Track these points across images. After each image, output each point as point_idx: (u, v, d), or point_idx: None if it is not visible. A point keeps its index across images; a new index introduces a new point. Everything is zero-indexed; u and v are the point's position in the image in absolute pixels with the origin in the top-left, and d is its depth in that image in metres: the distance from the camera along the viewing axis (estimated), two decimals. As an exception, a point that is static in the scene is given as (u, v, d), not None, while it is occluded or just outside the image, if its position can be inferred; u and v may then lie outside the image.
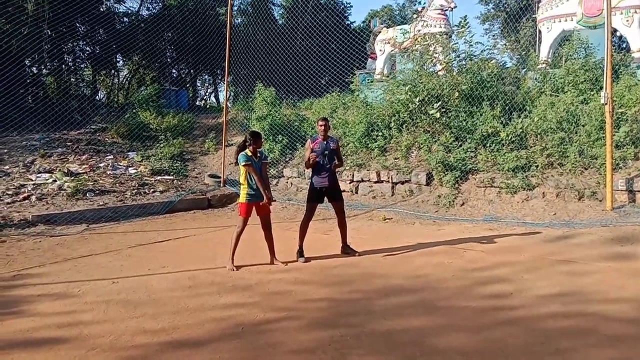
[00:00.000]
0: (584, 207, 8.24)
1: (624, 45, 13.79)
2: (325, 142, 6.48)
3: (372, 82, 14.60)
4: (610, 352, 3.50)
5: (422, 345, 3.70)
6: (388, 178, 10.42)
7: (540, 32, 12.89)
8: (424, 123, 10.88)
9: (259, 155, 6.17)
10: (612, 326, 3.94)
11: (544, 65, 11.75)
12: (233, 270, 5.89)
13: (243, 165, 5.98)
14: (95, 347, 3.76)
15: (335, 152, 6.58)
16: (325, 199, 6.60)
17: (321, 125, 6.51)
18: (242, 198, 6.13)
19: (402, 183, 10.26)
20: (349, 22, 27.88)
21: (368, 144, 11.36)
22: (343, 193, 10.72)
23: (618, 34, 11.69)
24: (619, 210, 7.89)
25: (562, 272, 5.51)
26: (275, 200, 6.26)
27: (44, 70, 19.60)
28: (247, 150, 6.08)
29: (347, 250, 6.67)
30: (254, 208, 6.15)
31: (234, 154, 6.34)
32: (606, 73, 7.97)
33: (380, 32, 15.43)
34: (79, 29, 19.86)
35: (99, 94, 24.27)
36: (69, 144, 14.02)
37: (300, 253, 6.40)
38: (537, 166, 9.15)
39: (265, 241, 6.27)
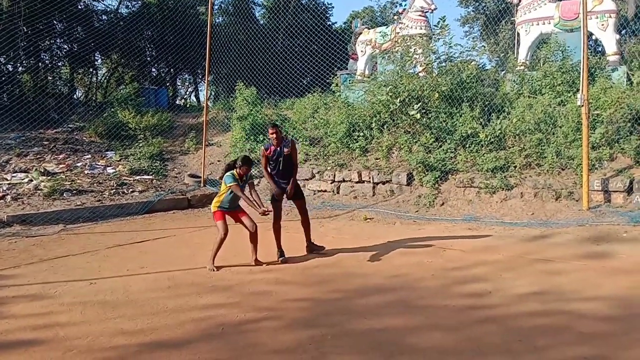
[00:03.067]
0: (561, 207, 8.38)
1: (600, 49, 14.07)
2: (278, 149, 6.42)
3: (353, 82, 14.63)
4: (585, 349, 3.56)
5: (401, 344, 3.72)
6: (369, 178, 10.46)
7: (518, 34, 13.06)
8: (405, 124, 10.95)
9: (244, 179, 6.22)
10: (587, 324, 4.02)
11: (522, 67, 11.91)
12: (213, 270, 5.87)
13: (229, 186, 6.04)
14: (72, 348, 3.70)
15: (290, 156, 6.49)
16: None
17: (272, 134, 6.40)
18: (214, 207, 6.21)
19: (383, 183, 10.30)
20: (330, 23, 27.90)
21: (349, 145, 11.39)
22: (325, 193, 10.91)
23: (594, 37, 11.91)
24: (595, 210, 8.05)
25: (539, 271, 5.60)
26: (270, 212, 6.20)
27: (20, 68, 19.20)
28: (234, 172, 6.13)
29: (312, 249, 6.66)
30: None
31: (222, 170, 6.44)
32: (582, 75, 8.12)
33: (361, 33, 15.45)
34: (56, 26, 19.49)
35: (77, 93, 23.90)
36: (45, 143, 13.77)
37: (281, 253, 6.36)
38: (515, 167, 9.28)
39: (251, 243, 6.25)
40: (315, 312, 4.49)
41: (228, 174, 6.14)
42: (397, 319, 4.26)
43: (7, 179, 10.69)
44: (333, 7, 30.57)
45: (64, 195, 10.12)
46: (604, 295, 4.70)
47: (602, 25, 10.82)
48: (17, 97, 14.89)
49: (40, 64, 20.05)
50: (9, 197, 9.58)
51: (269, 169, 6.57)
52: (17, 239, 7.70)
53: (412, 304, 4.62)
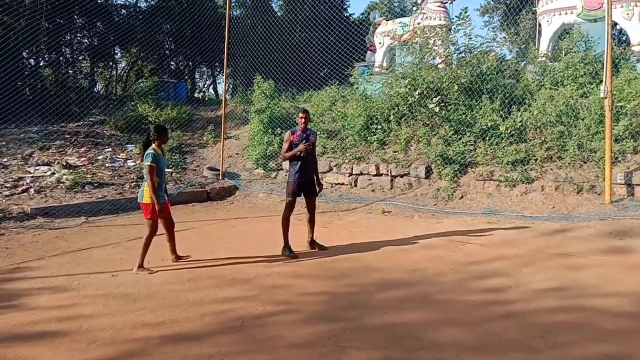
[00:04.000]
0: (582, 200, 8.26)
1: (624, 39, 13.76)
2: (305, 135, 6.38)
3: (371, 74, 14.55)
4: (606, 346, 3.52)
5: (421, 339, 3.72)
6: (387, 171, 10.42)
7: (540, 25, 12.84)
8: (423, 116, 10.86)
9: (164, 153, 5.81)
10: (609, 320, 3.97)
11: (543, 58, 11.71)
12: (151, 272, 5.54)
13: (148, 165, 5.47)
14: (95, 340, 3.77)
15: (314, 145, 6.52)
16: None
17: (302, 117, 6.36)
18: (149, 197, 5.57)
19: (401, 176, 10.25)
20: (347, 14, 27.72)
21: (367, 137, 11.35)
22: (342, 186, 10.90)
23: (618, 27, 11.66)
24: (618, 204, 7.91)
25: (560, 265, 5.54)
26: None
27: (42, 63, 19.50)
28: (153, 147, 5.60)
29: (314, 246, 6.57)
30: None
31: (139, 150, 5.83)
32: (606, 67, 7.96)
33: (379, 24, 15.33)
34: (76, 21, 19.73)
35: (97, 86, 24.17)
36: (67, 136, 13.99)
37: (288, 249, 6.25)
38: (536, 159, 9.16)
39: (169, 242, 6.01)
40: (333, 305, 4.50)
41: (148, 151, 5.56)
42: (416, 313, 4.26)
43: (30, 172, 10.90)
44: (350, -2, 30.26)
45: (86, 188, 10.28)
46: (626, 291, 4.64)
47: (628, 14, 10.58)
48: (40, 91, 15.15)
49: (61, 58, 20.33)
50: (32, 190, 9.77)
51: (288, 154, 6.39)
52: (40, 231, 7.85)
53: (431, 299, 4.61)
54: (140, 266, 5.61)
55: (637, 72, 9.97)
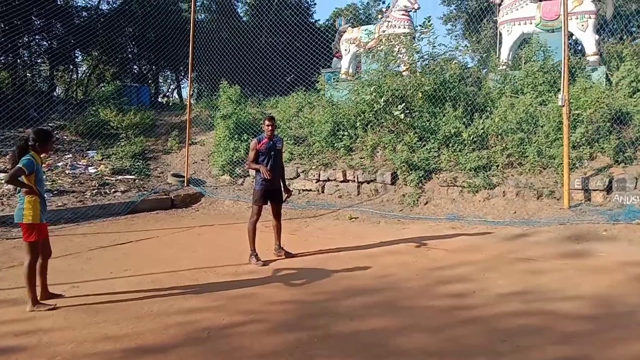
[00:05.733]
0: (542, 205, 8.51)
1: (579, 49, 14.26)
2: (271, 142, 6.36)
3: (337, 81, 14.64)
4: (567, 349, 3.63)
5: (387, 346, 3.75)
6: (354, 177, 10.49)
7: (500, 34, 13.19)
8: (389, 123, 10.99)
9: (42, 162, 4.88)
10: (569, 323, 4.10)
11: (504, 66, 12.04)
12: (52, 308, 4.59)
13: (17, 167, 4.50)
14: (55, 355, 3.65)
15: (280, 152, 6.53)
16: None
17: (268, 125, 6.32)
18: (33, 216, 4.62)
19: (368, 182, 10.34)
20: (313, 20, 27.86)
21: (334, 144, 11.40)
22: (309, 192, 10.91)
23: (574, 37, 12.07)
24: (576, 209, 8.19)
25: (521, 270, 5.68)
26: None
27: (-2, 65, 18.87)
28: (32, 154, 4.64)
29: (281, 253, 6.52)
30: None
31: (10, 158, 4.84)
32: (563, 76, 8.25)
33: (345, 31, 15.45)
34: (34, 22, 19.16)
35: (57, 90, 23.51)
36: (24, 142, 13.51)
37: (255, 257, 6.21)
38: (497, 166, 9.39)
39: (40, 275, 4.80)
40: (301, 314, 4.50)
41: (26, 158, 4.55)
42: (383, 320, 4.29)
43: (-15, 179, 10.49)
44: (315, 4, 30.41)
45: (45, 195, 9.93)
46: (585, 294, 4.79)
47: (582, 25, 10.98)
48: (-5, 95, 14.60)
49: (18, 60, 19.70)
50: (-13, 198, 9.40)
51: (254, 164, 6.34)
52: (-4, 241, 7.57)
53: (398, 305, 4.66)
54: (35, 301, 4.59)
55: (592, 81, 10.36)
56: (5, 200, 9.44)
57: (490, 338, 3.85)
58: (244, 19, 25.21)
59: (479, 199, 9.11)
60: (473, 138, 9.85)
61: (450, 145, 10.09)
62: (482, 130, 9.87)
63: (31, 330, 4.12)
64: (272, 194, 6.43)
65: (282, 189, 6.61)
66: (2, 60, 18.73)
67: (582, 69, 11.03)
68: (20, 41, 19.00)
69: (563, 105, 8.22)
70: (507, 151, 9.49)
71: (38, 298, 4.69)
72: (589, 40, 11.05)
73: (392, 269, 5.87)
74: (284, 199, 6.62)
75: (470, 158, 9.54)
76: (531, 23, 11.83)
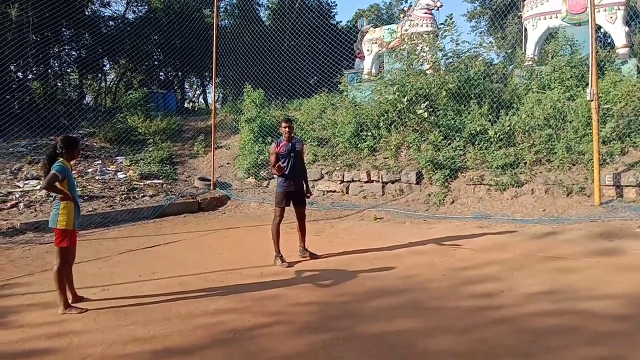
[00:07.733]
0: (572, 202, 8.31)
1: (609, 42, 13.92)
2: (290, 144, 6.35)
3: (360, 82, 14.62)
4: (599, 349, 3.53)
5: (414, 348, 3.71)
6: (378, 178, 10.44)
7: (526, 29, 12.97)
8: (413, 122, 10.91)
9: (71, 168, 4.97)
10: (600, 323, 3.98)
11: (530, 62, 11.82)
12: (81, 312, 4.68)
13: (52, 174, 4.55)
14: (86, 356, 3.73)
15: (301, 153, 6.50)
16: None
17: (285, 127, 6.33)
18: (67, 222, 4.69)
19: (392, 182, 10.28)
20: (335, 22, 27.87)
21: (357, 144, 11.38)
22: (334, 193, 10.91)
23: (602, 30, 11.80)
24: (607, 205, 7.97)
25: (551, 269, 5.56)
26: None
27: (30, 76, 19.40)
28: (61, 160, 4.70)
29: (306, 255, 6.53)
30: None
31: (42, 166, 4.87)
32: (591, 70, 8.05)
33: (367, 31, 15.43)
34: (64, 33, 19.68)
35: (86, 98, 24.09)
36: (56, 149, 13.87)
37: (280, 258, 6.23)
38: (525, 163, 9.22)
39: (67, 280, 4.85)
40: (326, 315, 4.48)
41: (57, 164, 4.64)
42: (409, 321, 4.25)
43: (19, 187, 10.81)
44: (336, 5, 30.42)
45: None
46: (617, 293, 4.65)
47: (611, 17, 10.71)
48: (28, 105, 15.06)
49: (49, 70, 20.25)
50: (21, 205, 9.68)
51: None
52: (30, 246, 7.77)
53: (424, 306, 4.60)
54: (66, 304, 4.72)
55: (622, 74, 10.09)
56: (37, 206, 9.71)
57: (520, 339, 3.76)
58: (267, 23, 25.38)
59: (506, 197, 8.96)
60: (499, 135, 9.71)
61: (476, 143, 9.95)
62: (508, 127, 9.71)
63: (63, 332, 4.22)
64: (295, 195, 6.43)
65: (304, 190, 6.60)
66: (34, 71, 19.27)
67: (611, 62, 10.76)
68: (51, 52, 19.53)
69: (592, 100, 8.02)
70: (534, 148, 9.31)
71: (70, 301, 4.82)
72: (618, 33, 10.77)
73: (417, 269, 5.81)
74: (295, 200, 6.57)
75: (497, 156, 9.40)
76: (557, 17, 11.61)
